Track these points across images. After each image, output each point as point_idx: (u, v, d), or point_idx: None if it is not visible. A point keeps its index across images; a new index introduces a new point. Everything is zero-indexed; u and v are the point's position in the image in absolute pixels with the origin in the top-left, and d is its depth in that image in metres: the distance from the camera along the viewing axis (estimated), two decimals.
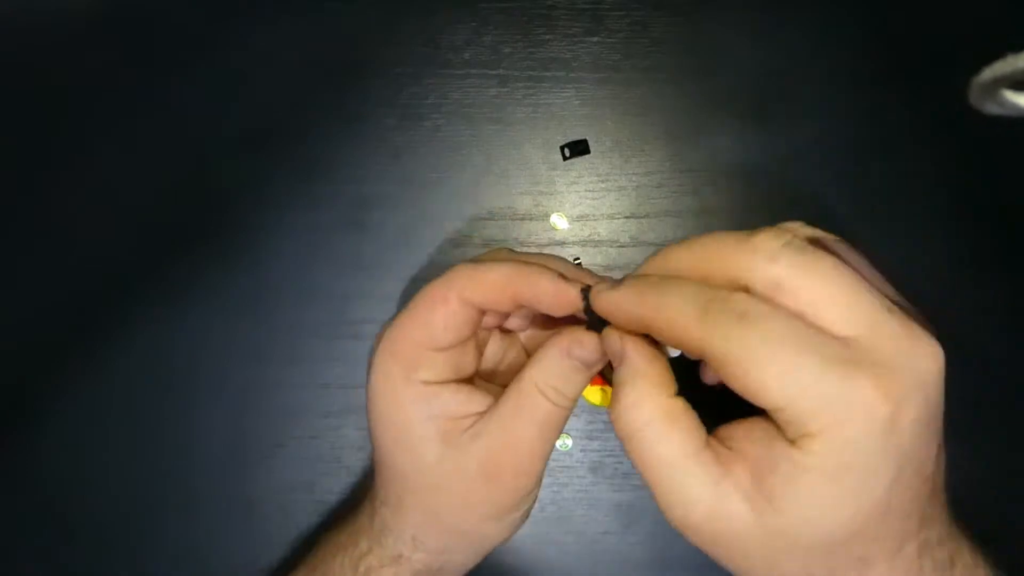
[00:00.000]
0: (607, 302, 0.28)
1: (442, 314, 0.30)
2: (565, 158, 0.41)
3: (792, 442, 0.24)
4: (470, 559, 0.33)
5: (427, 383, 0.30)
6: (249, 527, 0.40)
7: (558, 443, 0.40)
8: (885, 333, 0.24)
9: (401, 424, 0.31)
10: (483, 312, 0.31)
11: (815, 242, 0.27)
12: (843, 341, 0.24)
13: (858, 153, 0.41)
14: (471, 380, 0.33)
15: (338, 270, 0.41)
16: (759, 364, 0.24)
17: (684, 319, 0.25)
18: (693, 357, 0.26)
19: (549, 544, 0.40)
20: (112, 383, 0.40)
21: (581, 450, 0.40)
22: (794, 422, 0.24)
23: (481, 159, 0.42)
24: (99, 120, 0.42)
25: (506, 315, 0.33)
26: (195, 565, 0.39)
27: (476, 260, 0.31)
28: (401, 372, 0.31)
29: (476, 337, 0.33)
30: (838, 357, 0.23)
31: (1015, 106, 0.17)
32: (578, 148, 0.41)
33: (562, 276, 0.30)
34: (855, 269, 0.26)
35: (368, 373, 0.31)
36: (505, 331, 0.35)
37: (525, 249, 0.41)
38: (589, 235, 0.41)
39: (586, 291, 0.29)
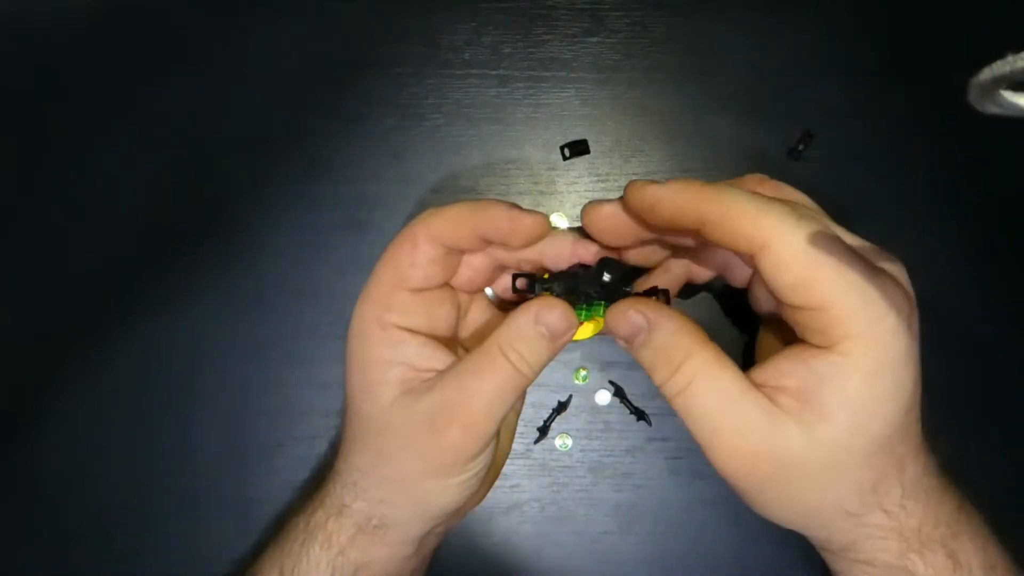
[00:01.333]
0: (652, 195, 0.28)
1: (408, 252, 0.31)
2: (565, 158, 0.41)
3: (830, 349, 0.26)
4: (412, 520, 0.32)
5: (397, 327, 0.31)
6: (249, 527, 0.40)
7: (558, 443, 0.40)
8: (884, 253, 0.29)
9: (365, 363, 0.31)
10: (453, 253, 0.32)
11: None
12: (870, 248, 0.28)
13: (858, 153, 0.41)
14: (448, 343, 0.33)
15: (338, 270, 0.41)
16: (819, 262, 0.25)
17: (747, 210, 0.26)
18: (747, 252, 0.27)
19: (549, 544, 0.40)
20: (112, 383, 0.40)
21: (581, 450, 0.40)
22: (837, 322, 0.25)
23: (481, 159, 0.42)
24: (99, 120, 0.42)
25: (492, 271, 0.34)
26: (195, 565, 0.39)
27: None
28: (373, 313, 0.31)
29: (455, 296, 0.34)
30: (872, 266, 0.26)
31: (1014, 106, 0.17)
32: (578, 148, 0.41)
33: (517, 207, 0.31)
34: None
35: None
36: (500, 306, 0.36)
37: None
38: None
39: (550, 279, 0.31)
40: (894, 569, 0.29)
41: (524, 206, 0.41)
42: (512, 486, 0.40)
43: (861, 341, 0.25)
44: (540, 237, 0.31)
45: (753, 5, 0.42)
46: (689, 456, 0.40)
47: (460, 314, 0.35)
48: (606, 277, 0.30)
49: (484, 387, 0.29)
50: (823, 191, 0.41)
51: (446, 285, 0.33)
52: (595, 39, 0.42)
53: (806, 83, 0.42)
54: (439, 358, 0.31)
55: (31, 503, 0.40)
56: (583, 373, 0.40)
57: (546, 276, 0.32)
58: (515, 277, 0.32)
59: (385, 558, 0.32)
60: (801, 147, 0.40)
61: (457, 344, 0.35)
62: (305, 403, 0.40)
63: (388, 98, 0.42)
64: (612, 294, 0.31)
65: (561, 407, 0.40)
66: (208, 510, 0.40)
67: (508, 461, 0.40)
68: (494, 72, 0.42)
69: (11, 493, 0.40)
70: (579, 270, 0.31)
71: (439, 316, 0.33)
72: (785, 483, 0.28)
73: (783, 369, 0.27)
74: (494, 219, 0.30)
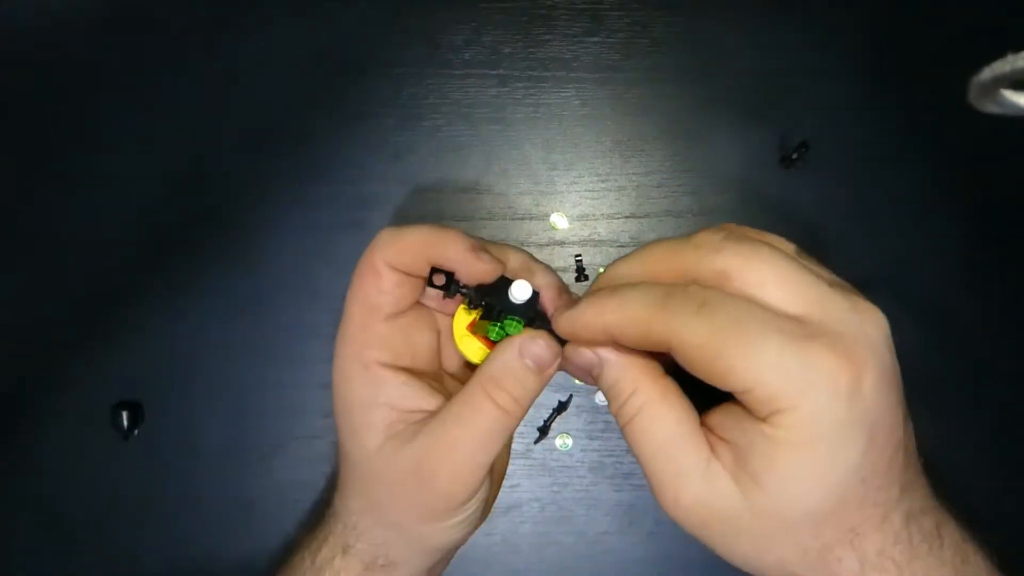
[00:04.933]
0: (568, 321, 0.28)
1: (372, 282, 0.30)
2: (790, 164, 0.41)
3: (764, 420, 0.25)
4: (415, 558, 0.32)
5: (379, 364, 0.30)
6: (249, 527, 0.40)
7: (558, 443, 0.40)
8: (831, 307, 0.25)
9: (349, 405, 0.31)
10: (417, 279, 0.31)
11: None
12: (795, 319, 0.25)
13: (858, 152, 0.41)
14: (434, 378, 0.32)
15: (338, 270, 0.41)
16: (724, 348, 0.24)
17: (646, 315, 0.26)
18: (659, 350, 0.26)
19: (549, 544, 0.40)
20: (112, 383, 0.40)
21: (581, 450, 0.40)
22: (763, 400, 0.24)
23: (481, 159, 0.42)
24: (99, 120, 0.42)
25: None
26: (195, 565, 0.39)
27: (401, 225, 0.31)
28: (352, 352, 0.31)
29: (432, 319, 0.32)
30: (795, 333, 0.24)
31: (1014, 105, 0.17)
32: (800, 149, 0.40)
33: (476, 247, 0.29)
34: (791, 255, 0.27)
35: None
36: None
37: (525, 248, 0.41)
38: (589, 235, 0.41)
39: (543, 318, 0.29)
40: None
41: (524, 207, 0.41)
42: (512, 486, 0.40)
43: (788, 416, 0.24)
44: (492, 279, 0.30)
45: (753, 5, 0.42)
46: None
47: (441, 339, 0.33)
48: (517, 295, 0.29)
49: (469, 435, 0.28)
50: (822, 191, 0.41)
51: (420, 307, 0.32)
52: (595, 39, 0.42)
53: (806, 83, 0.42)
54: (424, 397, 0.30)
55: (31, 503, 0.40)
56: None
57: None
58: (433, 272, 0.30)
59: None
60: (795, 156, 0.40)
61: (443, 377, 0.33)
62: (305, 403, 0.40)
63: (388, 98, 0.42)
64: (532, 319, 0.29)
65: (561, 407, 0.40)
66: (208, 510, 0.40)
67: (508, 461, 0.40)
68: (494, 72, 0.42)
69: (11, 493, 0.40)
70: (503, 284, 0.30)
71: (419, 344, 0.32)
72: (724, 535, 0.27)
73: (728, 419, 0.27)
74: (450, 256, 0.29)
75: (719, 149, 0.42)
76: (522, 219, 0.41)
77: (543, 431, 0.40)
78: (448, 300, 0.31)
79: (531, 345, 0.29)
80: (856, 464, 0.25)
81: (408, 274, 0.30)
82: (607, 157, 0.42)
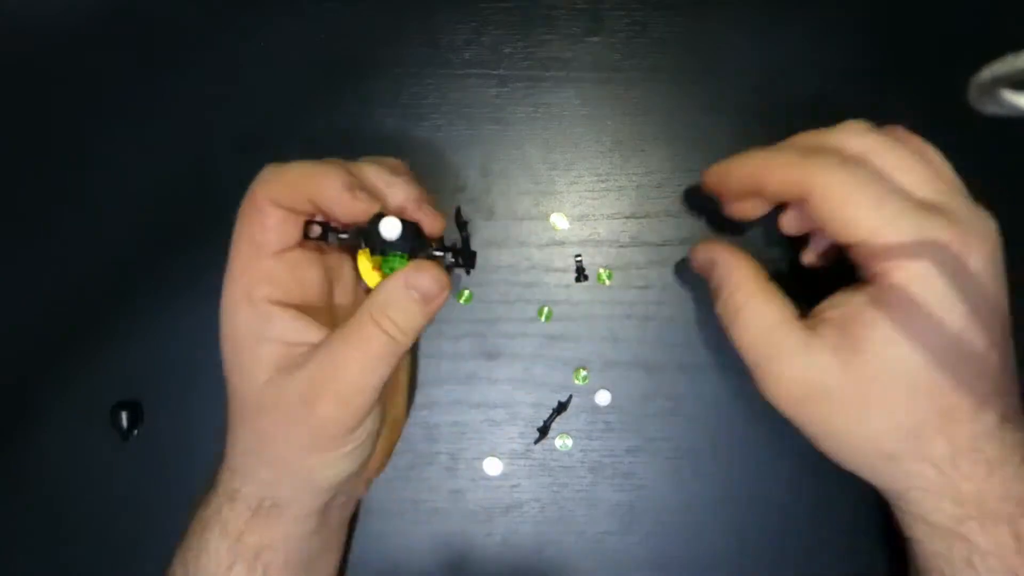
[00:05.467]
0: (718, 169, 0.32)
1: (256, 219, 0.31)
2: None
3: (872, 281, 0.27)
4: (303, 496, 0.31)
5: (267, 301, 0.30)
6: None
7: (558, 443, 0.40)
8: (955, 198, 0.28)
9: (236, 342, 0.31)
10: (303, 214, 0.31)
11: None
12: (921, 199, 0.28)
13: None
14: (325, 313, 0.32)
15: None
16: (852, 199, 0.27)
17: (790, 163, 0.29)
18: (797, 197, 0.29)
19: (549, 544, 0.40)
20: (112, 383, 0.40)
21: (581, 450, 0.40)
22: (877, 254, 0.27)
23: (481, 159, 0.42)
24: (99, 120, 0.42)
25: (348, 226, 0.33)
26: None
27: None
28: (240, 291, 0.31)
29: (322, 258, 0.33)
30: (919, 204, 0.27)
31: (1014, 106, 0.17)
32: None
33: (351, 185, 0.30)
34: (931, 155, 0.30)
35: None
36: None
37: (525, 248, 0.41)
38: (589, 235, 0.41)
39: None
40: (951, 534, 0.28)
41: (524, 207, 0.41)
42: (512, 486, 0.40)
43: (897, 273, 0.26)
44: (367, 218, 0.30)
45: (753, 4, 0.42)
46: (689, 456, 0.40)
47: (333, 278, 0.34)
48: (386, 233, 0.30)
49: (355, 357, 0.29)
50: None
51: (309, 244, 0.32)
52: (595, 39, 0.42)
53: (806, 82, 0.42)
54: (313, 331, 0.30)
55: (31, 503, 0.40)
56: (583, 373, 0.40)
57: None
58: (307, 224, 0.31)
59: (284, 537, 0.31)
60: None
61: (334, 314, 0.34)
62: None
63: (388, 98, 0.42)
64: (414, 249, 0.31)
65: (561, 407, 0.40)
66: None
67: (508, 461, 0.40)
68: (494, 72, 0.42)
69: (11, 493, 0.40)
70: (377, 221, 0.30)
71: (309, 280, 0.32)
72: (822, 412, 0.29)
73: (834, 301, 0.29)
74: (326, 195, 0.30)
75: (719, 149, 0.41)
76: (522, 219, 0.41)
77: (543, 431, 0.40)
78: (331, 245, 0.32)
79: (416, 277, 0.30)
80: (956, 335, 0.26)
81: (292, 210, 0.30)
82: (607, 157, 0.42)
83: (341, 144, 0.42)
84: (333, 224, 0.31)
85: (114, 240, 0.41)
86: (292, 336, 0.30)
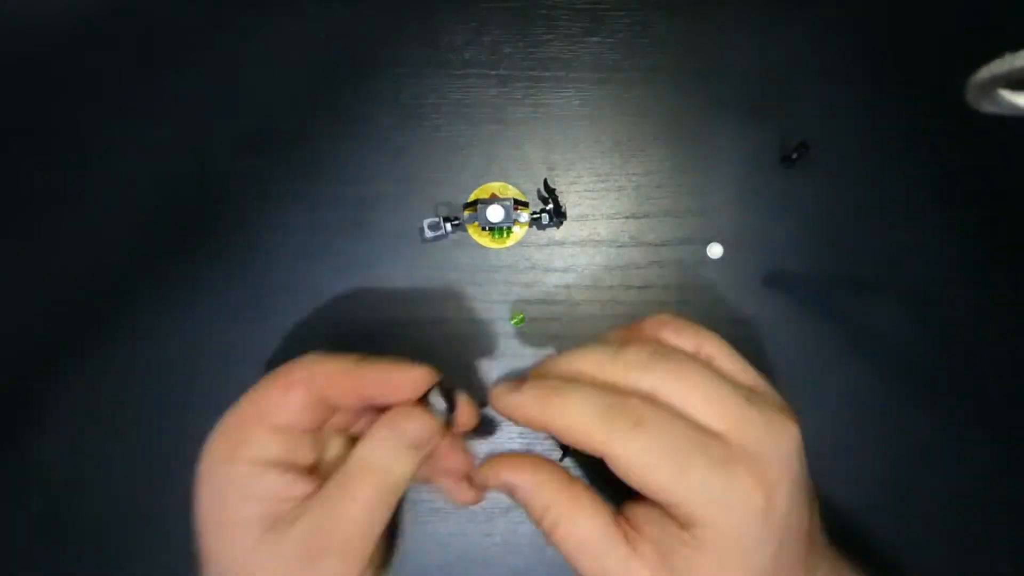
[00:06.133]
0: (506, 405, 0.30)
1: (279, 394, 0.30)
2: (790, 164, 0.41)
3: (686, 529, 0.27)
4: None
5: (252, 462, 0.29)
6: None
7: (556, 455, 0.40)
8: (749, 427, 0.28)
9: (222, 503, 0.29)
10: (329, 407, 0.31)
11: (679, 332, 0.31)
12: (717, 437, 0.27)
13: (858, 152, 0.41)
14: (309, 470, 0.31)
15: (338, 270, 0.41)
16: (657, 467, 0.27)
17: (586, 424, 0.28)
18: (596, 456, 0.28)
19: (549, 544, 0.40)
20: (112, 383, 0.40)
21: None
22: (688, 515, 0.27)
23: (481, 159, 0.42)
24: (99, 120, 0.42)
25: (357, 413, 0.33)
26: (195, 566, 0.39)
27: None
28: (225, 451, 0.30)
29: (318, 435, 0.32)
30: (719, 457, 0.27)
31: (1012, 105, 0.17)
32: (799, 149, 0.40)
33: (399, 366, 0.30)
34: (717, 360, 0.30)
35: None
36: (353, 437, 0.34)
37: (525, 248, 0.41)
38: (589, 235, 0.41)
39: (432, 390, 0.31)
40: None
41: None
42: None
43: (710, 530, 0.27)
44: (421, 391, 0.31)
45: (753, 4, 0.42)
46: None
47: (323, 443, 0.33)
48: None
49: (354, 509, 0.28)
50: (822, 191, 0.41)
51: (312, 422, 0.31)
52: (595, 39, 0.42)
53: (806, 83, 0.42)
54: (302, 484, 0.29)
55: (31, 503, 0.40)
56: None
57: None
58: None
59: None
60: (795, 156, 0.40)
61: (318, 471, 0.32)
62: None
63: (388, 98, 0.42)
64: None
65: None
66: None
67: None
68: (494, 72, 0.42)
69: (11, 493, 0.40)
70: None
71: (300, 451, 0.31)
72: None
73: (652, 517, 0.28)
74: (378, 382, 0.30)
75: (719, 149, 0.42)
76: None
77: (565, 449, 0.40)
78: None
79: (403, 422, 0.30)
80: (767, 567, 0.28)
81: (325, 401, 0.31)
82: (607, 157, 0.42)
83: (341, 144, 0.42)
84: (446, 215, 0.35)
85: (114, 240, 0.41)
86: (282, 491, 0.29)
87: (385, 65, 0.42)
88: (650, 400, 0.28)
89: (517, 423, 0.30)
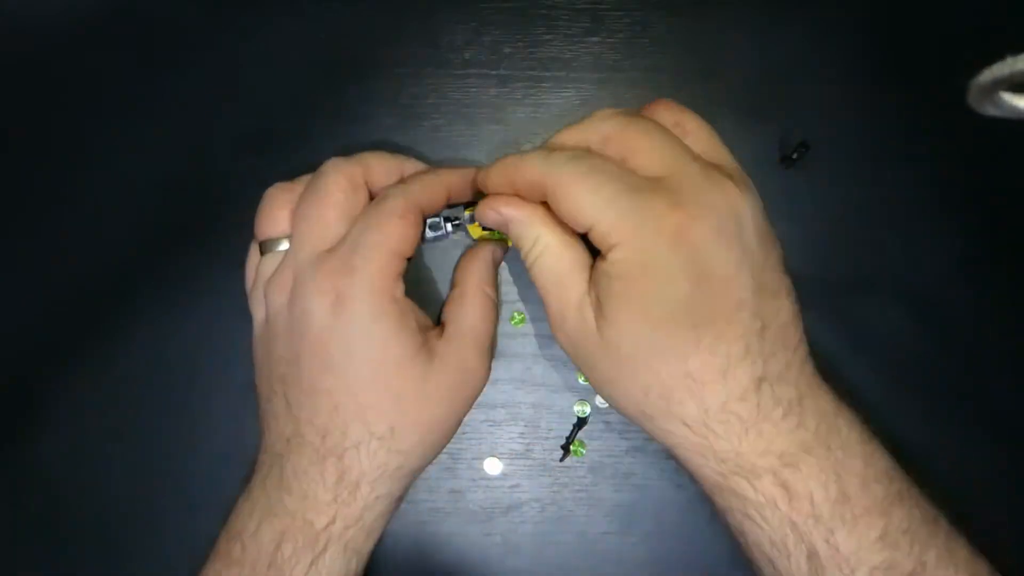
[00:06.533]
0: (483, 177, 0.34)
1: (400, 226, 0.33)
2: (790, 164, 0.41)
3: (604, 257, 0.29)
4: (428, 453, 0.35)
5: (401, 298, 0.33)
6: None
7: (556, 456, 0.40)
8: (685, 174, 0.30)
9: (388, 347, 0.32)
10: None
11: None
12: (652, 180, 0.29)
13: (858, 152, 0.41)
14: None
15: None
16: (577, 189, 0.29)
17: (534, 167, 0.31)
18: (543, 198, 0.31)
19: (549, 544, 0.40)
20: (112, 383, 0.40)
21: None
22: (601, 236, 0.29)
23: (481, 159, 0.42)
24: (99, 120, 0.42)
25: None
26: (195, 566, 0.39)
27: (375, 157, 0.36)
28: (384, 290, 0.32)
29: None
30: (639, 186, 0.29)
31: (1013, 108, 0.17)
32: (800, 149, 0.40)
33: (459, 169, 0.37)
34: (693, 135, 0.32)
35: (337, 314, 0.32)
36: None
37: None
38: None
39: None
40: (723, 489, 0.30)
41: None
42: (512, 486, 0.40)
43: (619, 250, 0.29)
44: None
45: (753, 4, 0.42)
46: None
47: None
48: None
49: (483, 320, 0.36)
50: (822, 191, 0.41)
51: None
52: (595, 39, 0.42)
53: (806, 83, 0.42)
54: (423, 315, 0.35)
55: (31, 503, 0.40)
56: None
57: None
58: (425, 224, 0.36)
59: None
60: (795, 156, 0.40)
61: None
62: None
63: (388, 98, 0.42)
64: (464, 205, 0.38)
65: (580, 423, 0.40)
66: (208, 510, 0.40)
67: (508, 461, 0.40)
68: (494, 72, 0.42)
69: (11, 493, 0.40)
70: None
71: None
72: (589, 366, 0.31)
73: (598, 264, 0.31)
74: (458, 183, 0.36)
75: None
76: None
77: (566, 449, 0.40)
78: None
79: (499, 254, 0.39)
80: (682, 303, 0.29)
81: (423, 213, 0.35)
82: None
83: (341, 144, 0.42)
84: (446, 216, 0.37)
85: (114, 240, 0.41)
86: (419, 317, 0.34)
87: (385, 65, 0.42)
88: (598, 150, 0.31)
89: (491, 188, 0.34)
